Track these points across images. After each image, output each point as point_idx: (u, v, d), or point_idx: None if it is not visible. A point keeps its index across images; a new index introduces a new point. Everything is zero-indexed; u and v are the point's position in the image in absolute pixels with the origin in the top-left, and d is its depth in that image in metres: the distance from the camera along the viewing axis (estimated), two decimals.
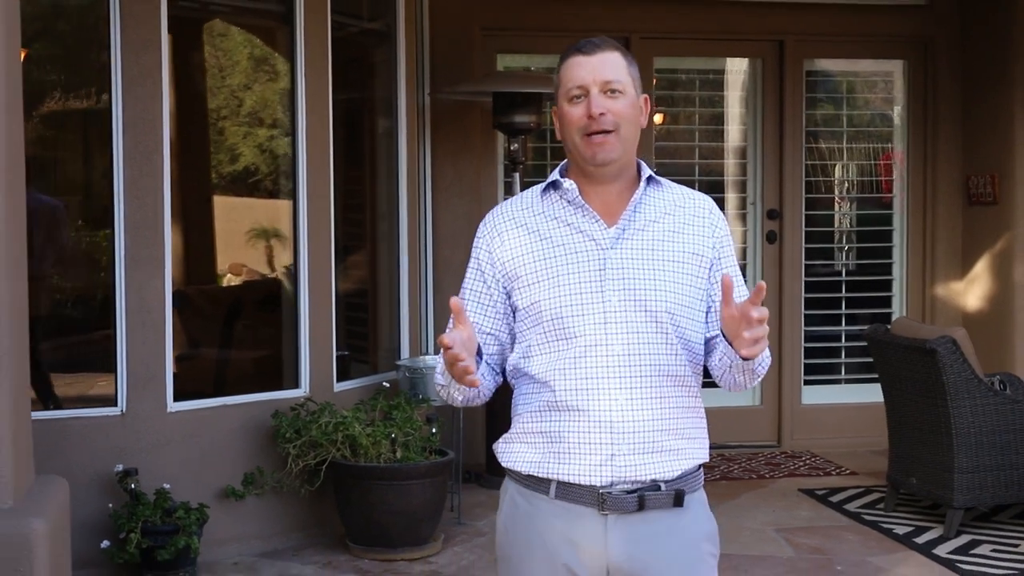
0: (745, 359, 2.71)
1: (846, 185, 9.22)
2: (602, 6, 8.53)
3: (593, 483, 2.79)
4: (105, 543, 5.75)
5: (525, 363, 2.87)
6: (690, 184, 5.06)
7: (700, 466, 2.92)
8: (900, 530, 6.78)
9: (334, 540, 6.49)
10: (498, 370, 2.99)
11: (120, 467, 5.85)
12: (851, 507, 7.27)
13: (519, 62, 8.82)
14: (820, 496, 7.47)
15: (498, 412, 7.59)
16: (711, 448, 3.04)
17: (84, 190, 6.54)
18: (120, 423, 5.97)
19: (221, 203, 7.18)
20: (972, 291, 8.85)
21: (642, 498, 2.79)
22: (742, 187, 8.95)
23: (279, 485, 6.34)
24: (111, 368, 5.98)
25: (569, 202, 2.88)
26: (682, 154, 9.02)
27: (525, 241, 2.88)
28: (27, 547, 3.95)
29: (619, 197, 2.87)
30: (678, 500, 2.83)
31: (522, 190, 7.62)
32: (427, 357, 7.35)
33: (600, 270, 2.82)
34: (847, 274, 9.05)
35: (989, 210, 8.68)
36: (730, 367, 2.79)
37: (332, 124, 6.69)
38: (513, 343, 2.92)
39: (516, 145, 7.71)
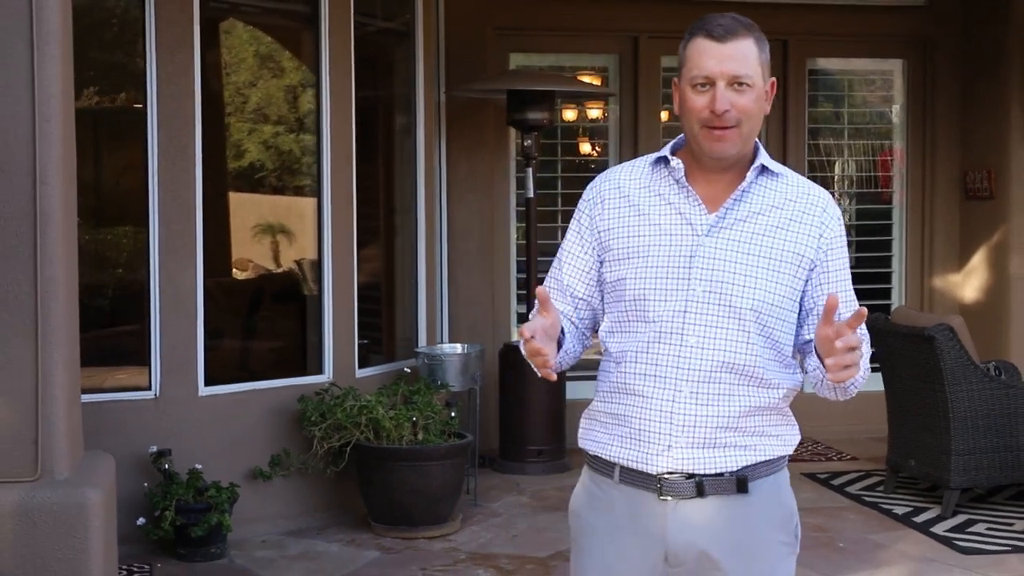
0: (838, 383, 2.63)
1: (846, 181, 9.48)
2: (610, 7, 8.79)
3: (650, 471, 2.73)
4: (141, 520, 6.00)
5: (608, 338, 2.83)
6: None
7: (782, 456, 2.82)
8: (899, 510, 7.04)
9: (356, 519, 6.75)
10: (588, 333, 2.92)
11: (154, 448, 6.11)
12: (852, 489, 7.53)
13: (531, 61, 9.06)
14: (822, 479, 7.73)
15: (511, 400, 7.90)
16: None
17: (119, 185, 6.79)
18: (154, 406, 6.24)
19: (248, 198, 7.44)
20: (969, 282, 9.11)
21: (700, 484, 2.71)
22: None
23: (304, 467, 6.59)
24: (146, 354, 6.24)
25: (675, 180, 2.76)
26: None
27: (624, 214, 2.78)
28: (83, 516, 4.20)
29: (728, 184, 2.75)
30: (741, 486, 2.73)
31: (534, 186, 7.98)
32: (444, 345, 7.62)
33: (690, 256, 2.71)
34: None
35: (986, 204, 8.94)
36: (822, 381, 2.70)
37: (355, 121, 6.95)
38: (604, 310, 2.86)
39: (529, 141, 7.96)
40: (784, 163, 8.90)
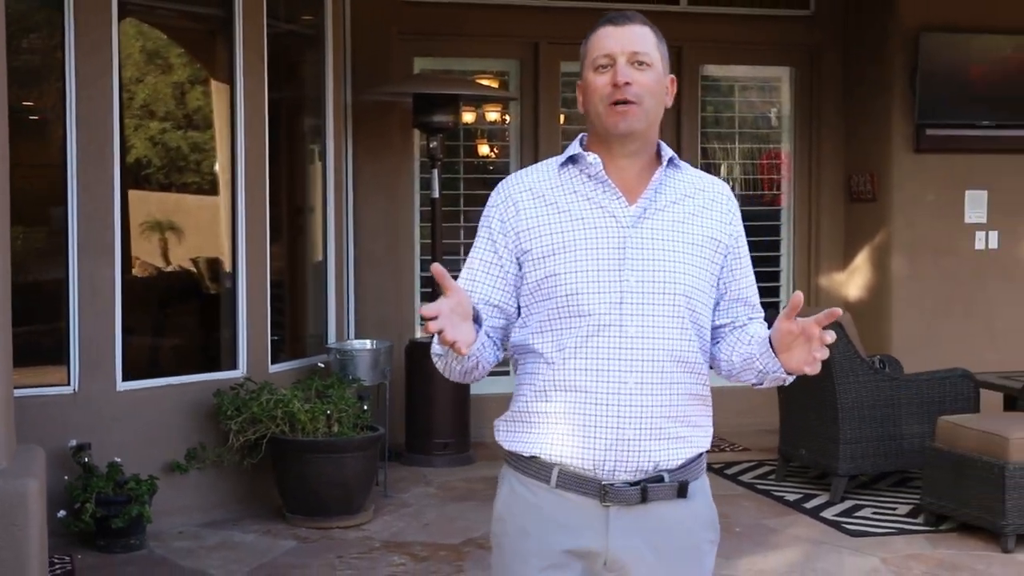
0: (789, 374, 2.70)
1: (737, 183, 9.81)
2: (511, 13, 9.03)
3: (596, 470, 2.70)
4: (61, 513, 6.10)
5: (532, 339, 2.75)
6: None
7: (703, 453, 2.84)
8: (790, 497, 7.38)
9: (271, 511, 6.90)
10: (500, 344, 2.83)
11: (74, 442, 6.21)
12: (745, 478, 7.87)
13: (435, 64, 9.27)
14: (717, 469, 8.05)
15: (417, 394, 8.10)
16: None
17: (36, 184, 6.86)
18: (73, 401, 6.34)
19: (161, 197, 7.55)
20: (853, 281, 9.51)
21: (645, 490, 2.71)
22: None
23: (220, 460, 6.73)
24: (64, 351, 6.34)
25: (590, 176, 2.76)
26: None
27: (542, 212, 2.76)
28: (23, 504, 4.32)
29: (640, 175, 2.77)
30: (682, 491, 2.74)
31: (439, 187, 8.18)
32: (354, 341, 7.80)
33: (620, 248, 2.70)
34: None
35: (868, 207, 9.34)
36: (760, 372, 2.75)
37: (267, 123, 7.11)
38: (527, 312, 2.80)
39: (435, 143, 8.17)
40: None
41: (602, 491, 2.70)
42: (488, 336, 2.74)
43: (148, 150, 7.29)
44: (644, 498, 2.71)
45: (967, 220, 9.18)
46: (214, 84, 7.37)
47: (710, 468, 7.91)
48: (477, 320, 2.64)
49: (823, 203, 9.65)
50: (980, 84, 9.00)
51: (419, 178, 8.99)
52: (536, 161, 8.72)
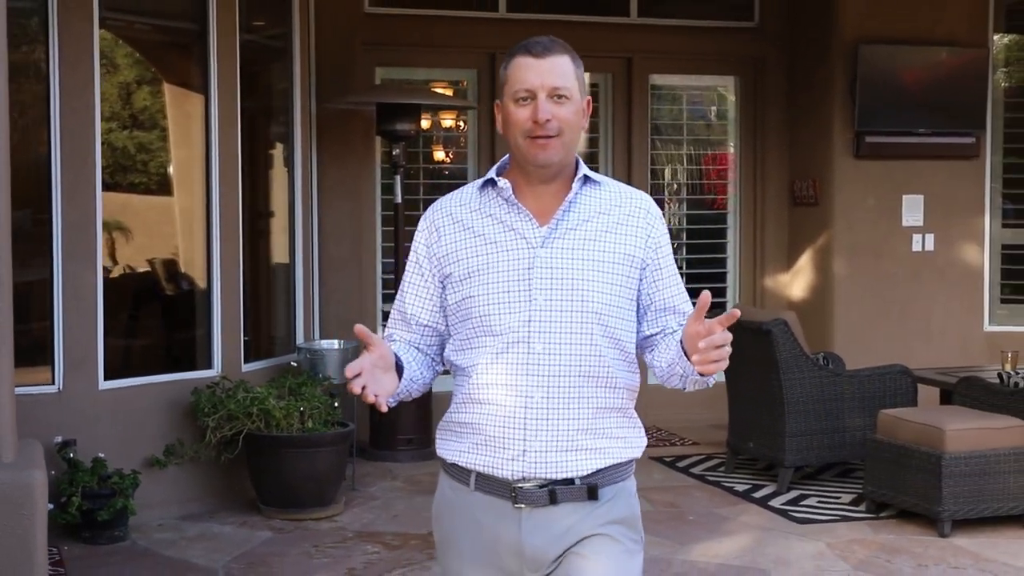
0: (702, 375, 2.76)
1: (685, 188, 10.18)
2: (469, 25, 9.35)
3: (506, 476, 2.81)
4: (49, 506, 6.33)
5: (455, 356, 2.89)
6: None
7: (630, 461, 2.92)
8: (740, 488, 7.75)
9: (245, 504, 7.18)
10: (438, 359, 2.99)
11: (59, 438, 6.46)
12: (696, 470, 8.23)
13: (397, 74, 9.57)
14: (668, 462, 8.41)
15: None
16: None
17: (21, 190, 7.08)
18: (57, 400, 6.59)
19: (143, 201, 7.79)
20: (797, 282, 9.91)
21: (553, 492, 2.81)
22: None
23: (197, 455, 7.00)
24: (49, 351, 6.59)
25: (505, 200, 2.86)
26: None
27: (460, 237, 2.87)
28: (31, 495, 4.59)
29: (554, 197, 2.85)
30: (592, 494, 2.83)
31: (402, 192, 8.48)
32: (323, 341, 8.10)
33: (528, 268, 2.80)
34: (686, 267, 10.01)
35: (811, 211, 9.73)
36: (681, 376, 2.82)
37: (240, 131, 7.39)
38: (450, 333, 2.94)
39: (398, 150, 8.48)
40: (629, 172, 9.70)
41: (513, 493, 2.82)
42: (426, 355, 2.95)
43: (126, 157, 7.54)
44: (553, 500, 2.81)
45: (904, 223, 9.59)
46: (189, 94, 7.63)
47: (662, 462, 8.38)
48: (400, 367, 2.81)
49: (768, 207, 10.05)
50: (916, 93, 9.41)
51: (380, 184, 9.29)
52: (493, 164, 9.08)
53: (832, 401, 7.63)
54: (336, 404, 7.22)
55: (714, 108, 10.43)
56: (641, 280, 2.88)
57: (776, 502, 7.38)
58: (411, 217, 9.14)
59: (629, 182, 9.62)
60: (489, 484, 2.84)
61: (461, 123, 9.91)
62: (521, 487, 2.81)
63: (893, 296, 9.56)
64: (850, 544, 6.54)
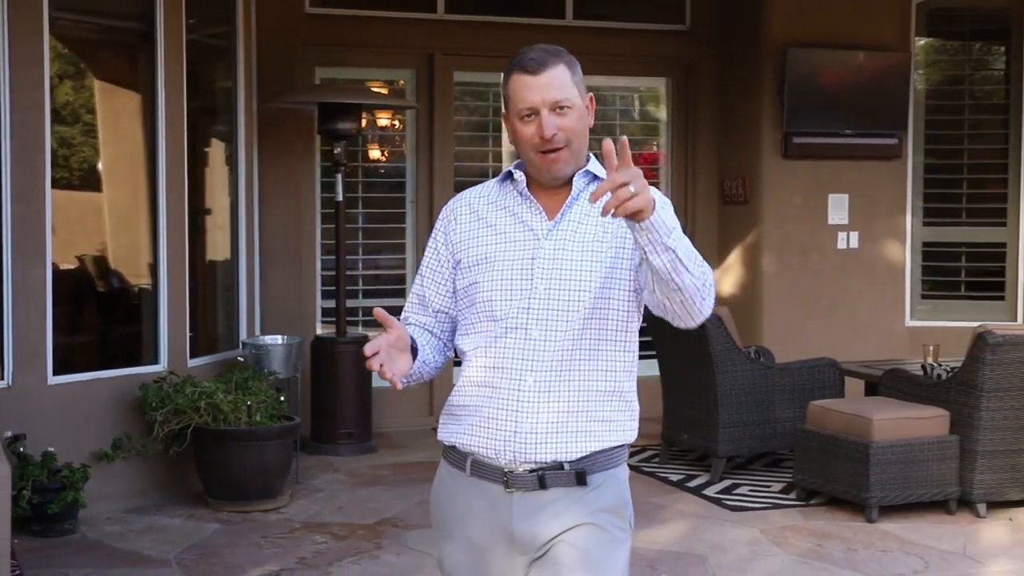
0: (636, 222, 2.61)
1: None
2: (408, 26, 9.50)
3: (499, 460, 2.90)
4: None
5: (460, 340, 3.02)
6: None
7: (620, 447, 2.97)
8: (674, 478, 7.97)
9: (192, 497, 7.29)
10: (449, 344, 3.09)
11: (9, 433, 6.54)
12: (631, 461, 8.28)
13: (336, 74, 9.69)
14: None
15: (323, 387, 8.53)
16: None
17: None
18: (7, 394, 6.66)
19: (84, 199, 7.86)
20: (727, 278, 10.16)
21: (542, 477, 2.89)
22: None
23: (144, 449, 7.10)
24: None
25: (519, 193, 2.98)
26: (477, 157, 10.08)
27: (474, 227, 3.01)
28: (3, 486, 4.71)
29: (564, 192, 2.97)
30: (580, 479, 2.89)
31: (343, 191, 8.60)
32: (266, 337, 8.21)
33: (532, 259, 2.91)
34: None
35: (740, 209, 9.99)
36: (655, 287, 2.76)
37: (186, 129, 7.50)
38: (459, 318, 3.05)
39: (339, 149, 8.61)
40: None
41: (504, 478, 2.91)
42: (439, 339, 3.07)
43: (75, 154, 7.61)
44: (543, 484, 2.89)
45: (830, 222, 9.88)
46: (137, 93, 7.72)
47: None
48: (415, 349, 2.93)
49: (698, 205, 10.29)
50: (841, 95, 9.69)
51: (320, 182, 9.41)
52: (431, 166, 9.28)
53: (763, 393, 7.88)
54: (282, 398, 7.35)
55: (645, 109, 10.65)
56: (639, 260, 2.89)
57: (710, 491, 7.60)
58: (351, 215, 9.31)
59: None
60: (483, 470, 2.93)
61: (397, 122, 10.06)
62: (512, 471, 2.90)
63: (820, 292, 9.84)
64: (783, 530, 6.78)
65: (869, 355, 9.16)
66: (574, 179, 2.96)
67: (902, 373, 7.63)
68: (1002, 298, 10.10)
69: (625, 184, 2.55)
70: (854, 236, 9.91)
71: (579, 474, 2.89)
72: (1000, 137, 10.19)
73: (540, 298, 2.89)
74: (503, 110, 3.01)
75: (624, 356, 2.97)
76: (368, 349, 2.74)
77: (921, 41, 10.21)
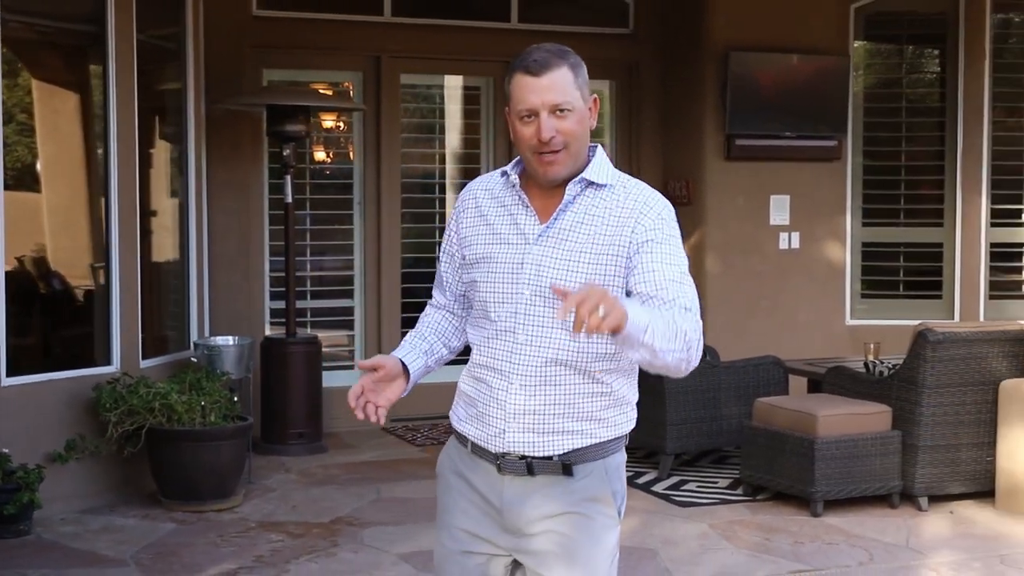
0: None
1: None
2: (355, 28, 9.57)
3: (491, 449, 3.02)
4: None
5: (469, 327, 3.15)
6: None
7: (610, 440, 3.02)
8: None
9: (145, 497, 7.31)
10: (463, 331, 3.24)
11: None
12: None
13: (284, 76, 9.74)
14: None
15: (273, 387, 8.59)
16: None
17: None
18: None
19: (37, 200, 7.86)
20: None
21: (531, 464, 2.98)
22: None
23: (97, 450, 7.11)
24: None
25: (516, 192, 3.03)
26: (423, 159, 10.17)
27: (476, 223, 3.08)
28: None
29: (559, 195, 2.98)
30: (567, 470, 2.97)
31: (292, 192, 8.64)
32: (218, 337, 8.24)
33: (520, 264, 2.96)
34: None
35: (684, 210, 10.09)
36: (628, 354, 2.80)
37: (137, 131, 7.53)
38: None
39: (288, 151, 8.66)
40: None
41: (498, 462, 3.02)
42: (458, 317, 3.22)
43: (25, 155, 7.61)
44: (531, 471, 2.98)
45: (772, 222, 10.06)
46: (88, 94, 7.74)
47: None
48: (406, 371, 3.10)
49: None
50: (782, 98, 9.87)
51: (268, 183, 9.45)
52: (378, 167, 9.37)
53: (709, 391, 8.02)
54: (236, 399, 7.39)
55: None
56: (629, 271, 2.92)
57: (658, 487, 7.73)
58: (300, 216, 9.36)
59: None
60: (480, 451, 3.05)
61: (341, 124, 10.12)
62: (504, 457, 3.00)
63: (762, 292, 10.01)
64: (731, 525, 6.92)
65: (810, 353, 9.33)
66: (568, 186, 2.97)
67: (845, 370, 7.80)
68: (939, 297, 10.35)
69: (593, 309, 2.52)
70: (795, 236, 10.09)
71: (565, 465, 2.97)
72: (936, 139, 10.44)
73: (526, 303, 2.95)
74: (506, 108, 3.02)
75: (613, 359, 2.97)
76: (351, 399, 2.99)
77: (859, 45, 10.42)
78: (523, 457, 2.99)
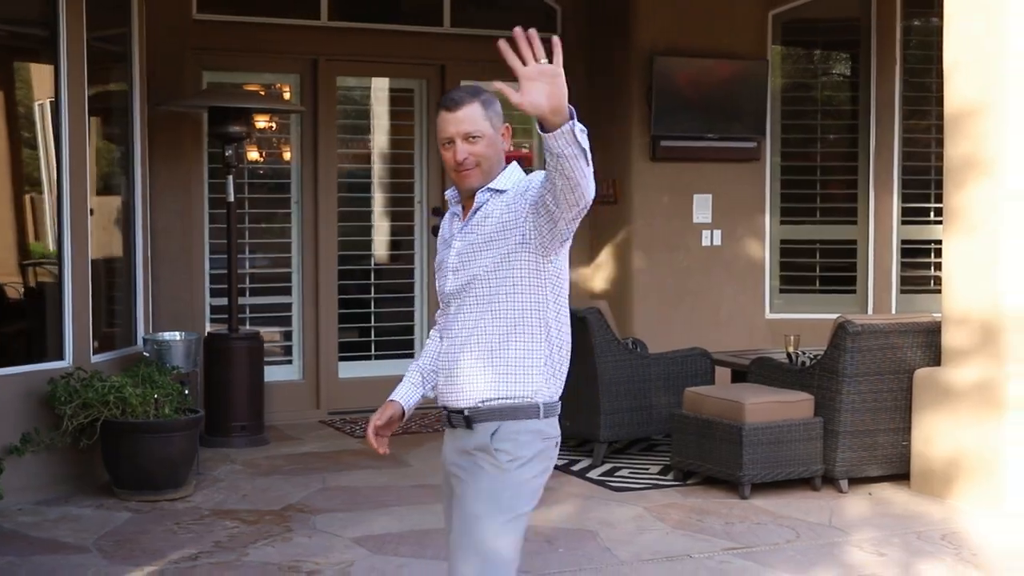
0: (543, 128, 3.19)
1: None
2: (293, 32, 9.80)
3: (440, 404, 3.75)
4: None
5: None
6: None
7: (507, 403, 3.58)
8: (559, 462, 8.35)
9: (98, 488, 7.51)
10: None
11: None
12: None
13: (224, 78, 9.95)
14: None
15: (216, 381, 8.83)
16: None
17: None
18: None
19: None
20: (599, 274, 10.67)
21: (449, 417, 3.69)
22: (401, 188, 10.46)
23: (52, 443, 7.30)
24: None
25: (456, 199, 3.77)
26: (358, 159, 10.43)
27: (442, 231, 3.85)
28: None
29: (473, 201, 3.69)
30: (468, 423, 3.61)
31: (234, 192, 8.85)
32: (165, 333, 8.44)
33: (448, 256, 3.69)
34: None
35: (612, 208, 10.49)
36: (553, 159, 3.24)
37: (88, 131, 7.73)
38: None
39: (230, 151, 8.88)
40: (443, 172, 10.26)
41: (446, 416, 3.74)
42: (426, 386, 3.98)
43: None
44: (451, 424, 3.70)
45: (695, 220, 10.45)
46: (41, 95, 7.91)
47: None
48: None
49: None
50: (705, 102, 10.26)
51: (208, 183, 9.65)
52: (315, 167, 9.59)
53: (641, 382, 8.37)
54: (187, 391, 7.62)
55: (516, 111, 11.05)
56: (527, 212, 3.50)
57: (593, 474, 8.07)
58: (241, 215, 9.57)
59: (441, 184, 10.25)
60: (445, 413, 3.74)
61: (273, 124, 10.35)
62: (444, 410, 3.72)
63: (686, 287, 10.40)
64: (664, 508, 7.27)
65: (732, 345, 9.72)
66: (478, 194, 3.63)
67: (769, 361, 8.19)
68: (853, 291, 10.82)
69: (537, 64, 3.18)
70: (717, 234, 10.49)
71: (467, 419, 3.63)
72: (850, 140, 10.91)
73: (452, 286, 3.67)
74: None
75: (519, 326, 3.59)
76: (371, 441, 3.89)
77: (777, 50, 10.84)
78: (448, 412, 3.69)
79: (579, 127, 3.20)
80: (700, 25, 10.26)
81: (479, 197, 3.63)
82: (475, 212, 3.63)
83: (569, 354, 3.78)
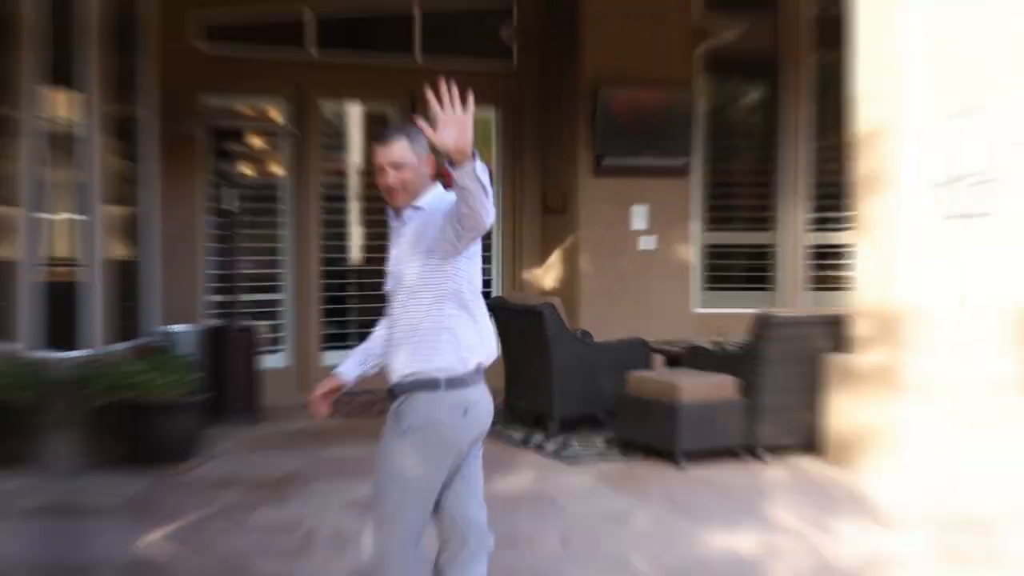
0: (451, 164, 3.41)
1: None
2: (282, 65, 9.91)
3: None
4: None
5: None
6: None
7: (427, 380, 3.76)
8: (516, 436, 8.61)
9: (120, 459, 7.55)
10: None
11: None
12: None
13: (223, 101, 10.03)
14: None
15: (215, 366, 8.92)
16: None
17: None
18: None
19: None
20: (549, 275, 10.86)
21: (389, 391, 3.89)
22: (374, 199, 10.57)
23: (78, 420, 7.41)
24: None
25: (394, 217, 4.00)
26: (340, 175, 10.57)
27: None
28: None
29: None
30: (391, 395, 3.87)
31: (231, 202, 8.93)
32: (176, 325, 8.56)
33: (388, 263, 3.93)
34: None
35: (560, 217, 10.70)
36: (457, 196, 3.47)
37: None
38: None
39: (231, 167, 9.02)
40: None
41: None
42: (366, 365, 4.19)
43: None
44: (392, 395, 3.88)
45: (633, 228, 10.65)
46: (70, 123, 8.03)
47: None
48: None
49: (525, 214, 10.98)
50: (642, 125, 10.47)
51: (208, 195, 9.74)
52: (301, 181, 9.66)
53: (588, 366, 8.59)
54: (198, 375, 7.77)
55: (476, 134, 11.22)
56: (439, 228, 3.68)
57: (548, 447, 8.27)
58: (237, 222, 9.68)
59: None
60: None
61: (264, 144, 10.45)
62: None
63: (625, 285, 10.60)
64: (612, 476, 7.48)
65: (665, 335, 9.90)
66: (407, 211, 3.85)
67: (700, 349, 8.44)
68: (768, 289, 11.08)
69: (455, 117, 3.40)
70: (652, 240, 10.70)
71: (390, 392, 3.87)
72: (765, 157, 11.18)
73: (390, 284, 3.89)
74: None
75: (431, 320, 3.80)
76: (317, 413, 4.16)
77: (703, 79, 11.08)
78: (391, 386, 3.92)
79: (481, 166, 3.42)
80: (638, 59, 10.46)
81: (407, 214, 3.85)
82: (404, 225, 3.86)
83: (487, 333, 3.93)
